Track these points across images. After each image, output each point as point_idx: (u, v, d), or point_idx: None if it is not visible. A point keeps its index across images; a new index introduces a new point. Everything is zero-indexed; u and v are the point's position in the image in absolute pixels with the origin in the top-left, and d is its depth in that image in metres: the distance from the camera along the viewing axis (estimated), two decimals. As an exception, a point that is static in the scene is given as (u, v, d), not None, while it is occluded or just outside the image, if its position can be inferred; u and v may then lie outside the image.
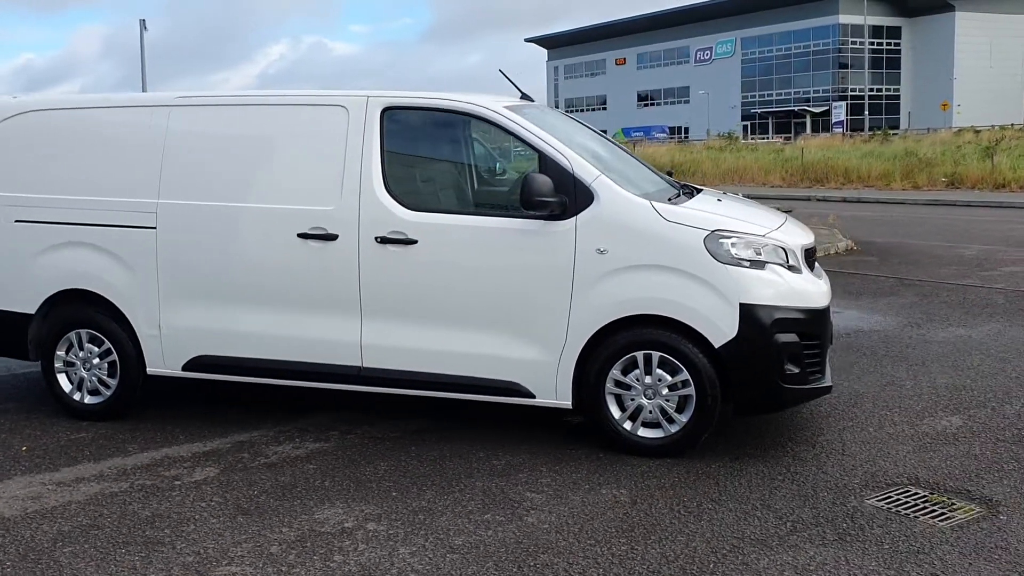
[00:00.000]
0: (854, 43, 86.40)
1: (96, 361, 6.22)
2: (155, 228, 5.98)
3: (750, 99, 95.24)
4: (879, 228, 18.05)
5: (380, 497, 4.90)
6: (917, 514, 4.58)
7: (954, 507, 4.66)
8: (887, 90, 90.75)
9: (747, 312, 5.18)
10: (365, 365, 5.71)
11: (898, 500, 4.76)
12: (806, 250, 5.66)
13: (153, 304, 6.03)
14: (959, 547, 4.21)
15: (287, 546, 4.33)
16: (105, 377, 6.22)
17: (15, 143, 6.36)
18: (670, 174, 6.95)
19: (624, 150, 7.04)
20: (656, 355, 5.32)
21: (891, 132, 59.90)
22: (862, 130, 71.58)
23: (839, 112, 78.06)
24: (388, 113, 5.72)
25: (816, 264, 6.11)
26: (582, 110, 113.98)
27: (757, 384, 5.29)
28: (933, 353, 7.77)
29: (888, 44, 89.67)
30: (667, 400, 5.35)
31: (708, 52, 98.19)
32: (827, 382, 5.51)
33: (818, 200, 25.73)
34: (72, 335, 6.24)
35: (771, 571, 4.02)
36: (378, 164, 5.65)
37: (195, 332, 5.99)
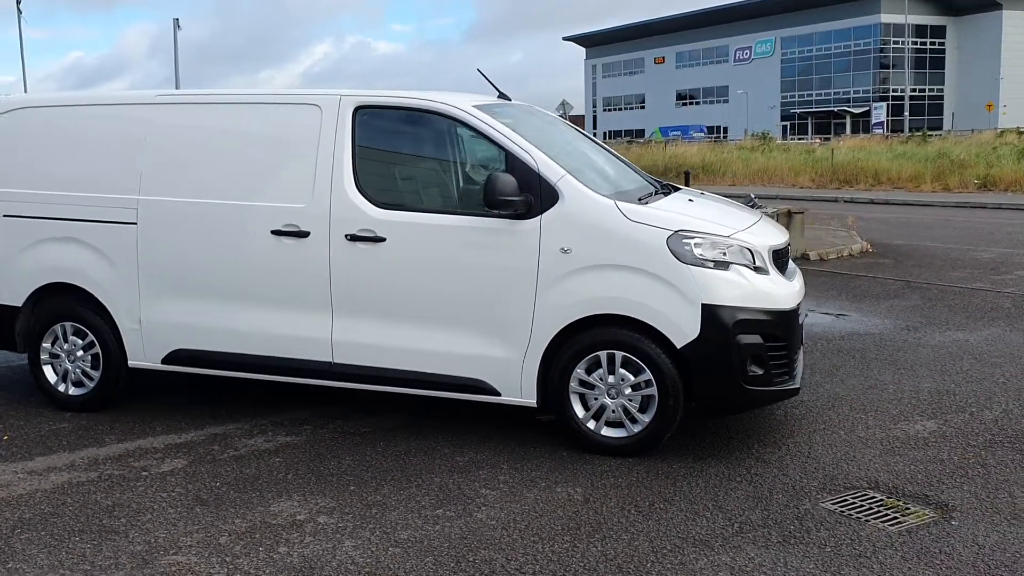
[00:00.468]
0: (896, 42, 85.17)
1: (80, 353, 6.36)
2: (136, 224, 6.11)
3: (789, 99, 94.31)
4: (900, 230, 17.82)
5: (337, 491, 4.97)
6: (868, 518, 4.55)
7: (908, 511, 4.63)
8: (930, 90, 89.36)
9: (709, 313, 5.17)
10: (336, 361, 5.78)
11: (853, 504, 4.73)
12: (775, 251, 5.63)
13: (134, 298, 6.15)
14: (902, 551, 4.18)
15: (236, 537, 4.41)
16: (89, 369, 6.36)
17: (6, 140, 6.52)
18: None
19: (611, 152, 7.05)
20: (619, 355, 5.33)
21: (931, 133, 58.94)
22: (903, 131, 70.57)
23: (879, 113, 77.01)
24: (360, 112, 5.78)
25: (790, 265, 6.09)
26: (620, 109, 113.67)
27: (719, 385, 5.27)
28: (924, 357, 7.68)
29: (932, 43, 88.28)
30: (630, 400, 5.36)
31: (747, 51, 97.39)
32: (794, 384, 5.48)
33: (845, 202, 25.43)
34: (57, 328, 6.38)
35: (707, 571, 4.02)
36: (349, 162, 5.71)
37: (173, 326, 6.11)
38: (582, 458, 5.37)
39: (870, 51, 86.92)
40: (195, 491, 4.99)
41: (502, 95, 6.47)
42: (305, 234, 5.72)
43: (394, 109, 5.86)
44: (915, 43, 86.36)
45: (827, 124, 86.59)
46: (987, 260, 13.41)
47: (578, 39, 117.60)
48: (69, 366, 6.38)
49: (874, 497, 4.81)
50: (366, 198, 5.67)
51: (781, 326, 5.37)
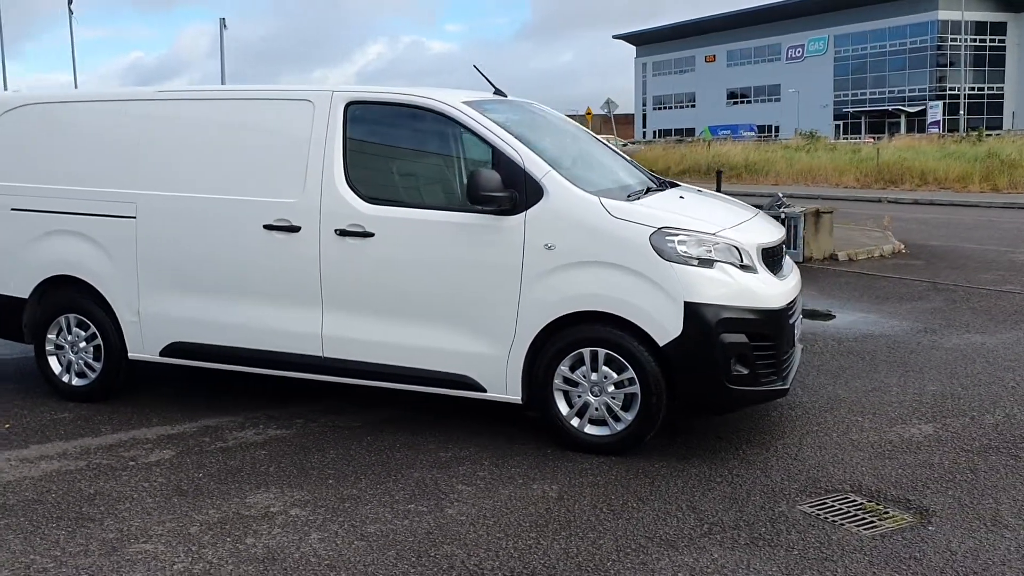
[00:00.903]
0: (953, 40, 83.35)
1: (83, 345, 6.49)
2: (135, 218, 6.21)
3: (842, 98, 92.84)
4: (939, 231, 17.46)
5: (316, 484, 5.00)
6: (844, 521, 4.47)
7: (886, 516, 4.53)
8: (989, 89, 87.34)
9: (692, 311, 5.11)
10: (326, 355, 5.83)
11: (831, 507, 4.65)
12: (767, 249, 5.55)
13: (133, 291, 6.26)
14: (871, 556, 4.09)
15: (206, 527, 4.46)
16: (91, 360, 6.49)
17: (14, 135, 6.68)
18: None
19: (613, 150, 7.01)
20: (602, 352, 5.30)
21: (989, 132, 57.58)
22: (959, 130, 69.05)
23: (935, 112, 75.52)
24: (351, 107, 5.82)
25: (787, 263, 6.00)
26: (670, 107, 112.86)
27: (703, 384, 5.21)
28: (936, 360, 7.51)
29: (992, 41, 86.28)
30: (613, 398, 5.32)
31: (800, 50, 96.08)
32: (783, 385, 5.39)
33: (888, 202, 24.98)
34: (62, 319, 6.52)
35: (666, 571, 3.97)
36: (340, 157, 5.75)
37: (171, 319, 6.20)
38: (564, 455, 5.35)
39: (926, 49, 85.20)
40: (176, 481, 5.06)
41: (498, 91, 6.46)
42: (296, 229, 5.77)
43: (385, 105, 5.88)
44: (973, 40, 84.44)
45: (881, 123, 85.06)
46: (1023, 262, 13.07)
47: (628, 37, 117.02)
48: (72, 357, 6.52)
49: (854, 501, 4.72)
50: (356, 193, 5.70)
51: (769, 325, 5.29)
